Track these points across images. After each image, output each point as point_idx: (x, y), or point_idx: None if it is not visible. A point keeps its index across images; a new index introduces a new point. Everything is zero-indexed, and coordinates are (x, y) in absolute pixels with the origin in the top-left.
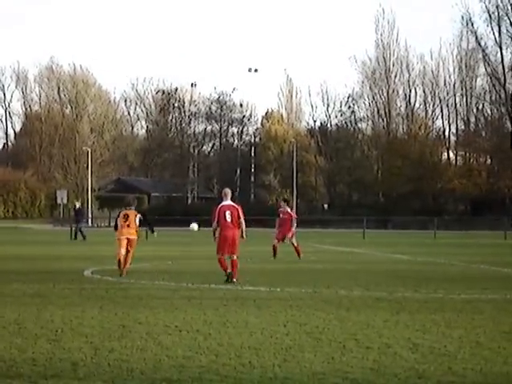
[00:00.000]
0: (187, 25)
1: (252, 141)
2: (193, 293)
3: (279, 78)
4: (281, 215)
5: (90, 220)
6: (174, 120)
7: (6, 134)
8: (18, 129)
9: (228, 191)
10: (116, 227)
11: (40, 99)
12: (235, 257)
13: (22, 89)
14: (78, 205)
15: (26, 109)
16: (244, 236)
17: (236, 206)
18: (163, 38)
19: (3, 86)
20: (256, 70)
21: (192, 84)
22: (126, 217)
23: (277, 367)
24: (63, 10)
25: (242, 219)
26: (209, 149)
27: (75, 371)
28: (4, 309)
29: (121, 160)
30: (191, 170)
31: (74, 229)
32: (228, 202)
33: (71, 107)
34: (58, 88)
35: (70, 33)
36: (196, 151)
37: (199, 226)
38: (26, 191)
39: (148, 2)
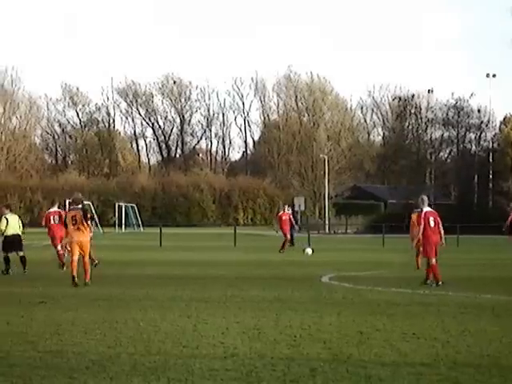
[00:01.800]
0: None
1: (490, 147)
2: (430, 299)
3: None
4: None
5: (327, 227)
6: (410, 126)
7: (246, 142)
8: (256, 137)
9: (426, 198)
10: (66, 226)
11: (278, 108)
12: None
13: (261, 98)
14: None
15: (264, 117)
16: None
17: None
18: (393, 44)
19: (242, 95)
20: (494, 75)
21: (429, 90)
22: (75, 219)
23: None
24: (299, 18)
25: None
26: (446, 155)
27: (314, 377)
28: (244, 314)
29: (357, 167)
30: (428, 177)
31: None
32: (429, 208)
33: (308, 115)
34: (296, 96)
35: (307, 42)
36: (433, 158)
37: (313, 251)
38: (265, 198)
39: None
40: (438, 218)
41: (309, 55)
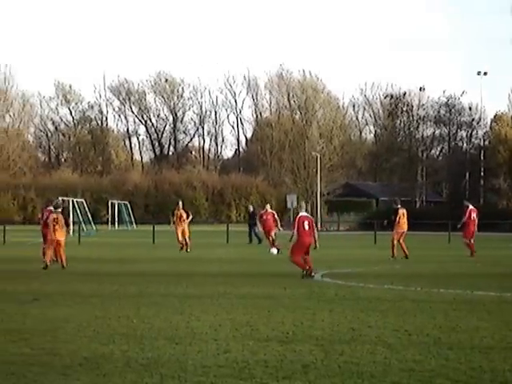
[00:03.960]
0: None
1: (481, 144)
2: (422, 297)
3: (509, 80)
4: None
5: (319, 224)
6: (402, 124)
7: (238, 140)
8: (249, 135)
9: (303, 205)
10: (46, 226)
11: (270, 106)
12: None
13: (253, 96)
14: (251, 208)
15: (256, 115)
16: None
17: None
18: (385, 42)
19: (235, 93)
20: (485, 73)
21: (420, 88)
22: (57, 220)
23: (507, 372)
24: (291, 16)
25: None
26: (437, 153)
27: (306, 374)
28: (236, 311)
29: (349, 165)
30: (419, 174)
31: (251, 232)
32: (305, 213)
33: (301, 113)
34: (288, 94)
35: (298, 40)
36: (424, 155)
37: (278, 251)
38: (257, 196)
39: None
40: (313, 223)
41: (301, 53)
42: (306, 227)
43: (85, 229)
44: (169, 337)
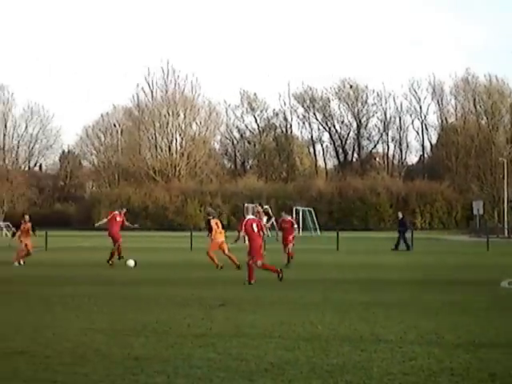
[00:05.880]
0: None
1: None
2: None
3: None
4: None
5: (506, 231)
6: None
7: (423, 145)
8: (434, 141)
9: (250, 208)
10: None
11: (456, 111)
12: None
13: (438, 101)
14: (400, 215)
15: (442, 121)
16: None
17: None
18: None
19: (419, 98)
20: None
21: None
22: (27, 229)
23: None
24: (476, 19)
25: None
26: None
27: (493, 382)
28: (421, 318)
29: None
30: None
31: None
32: (252, 216)
33: (487, 118)
34: (474, 99)
35: (486, 44)
36: None
37: (135, 264)
38: (443, 202)
39: None
40: (261, 224)
41: (487, 57)
42: (255, 229)
43: (269, 235)
44: (354, 343)
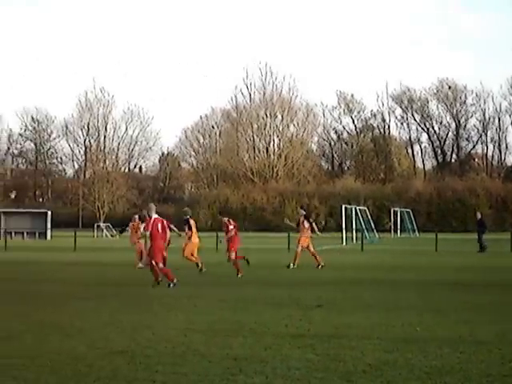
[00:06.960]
0: None
1: None
2: None
3: None
4: None
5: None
6: None
7: None
8: None
9: (153, 207)
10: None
11: None
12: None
13: None
14: (479, 215)
15: None
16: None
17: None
18: None
19: None
20: None
21: None
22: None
23: None
24: None
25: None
26: None
27: None
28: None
29: None
30: None
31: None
32: (156, 215)
33: None
34: None
35: None
36: None
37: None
38: None
39: None
40: (165, 225)
41: None
42: (160, 229)
43: (368, 236)
44: (452, 345)
